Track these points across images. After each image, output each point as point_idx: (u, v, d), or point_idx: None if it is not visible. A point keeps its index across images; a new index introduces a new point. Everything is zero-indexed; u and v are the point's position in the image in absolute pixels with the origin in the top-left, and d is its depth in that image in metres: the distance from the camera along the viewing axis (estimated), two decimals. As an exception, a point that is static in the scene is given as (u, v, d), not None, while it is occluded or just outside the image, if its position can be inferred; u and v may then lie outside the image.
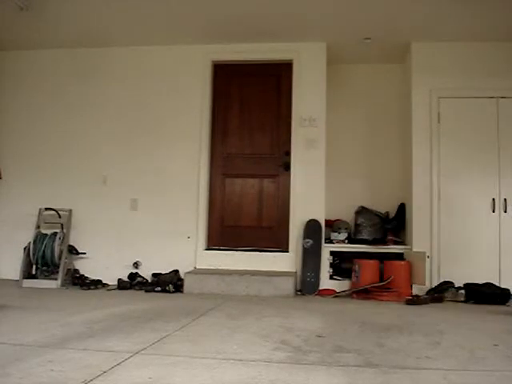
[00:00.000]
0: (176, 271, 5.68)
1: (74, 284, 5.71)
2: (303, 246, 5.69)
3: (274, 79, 6.18)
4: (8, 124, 6.41)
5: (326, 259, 5.77)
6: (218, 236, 6.06)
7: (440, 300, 5.03)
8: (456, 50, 5.81)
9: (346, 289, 5.56)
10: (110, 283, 5.73)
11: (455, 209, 5.64)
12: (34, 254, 5.68)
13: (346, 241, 5.95)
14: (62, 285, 5.63)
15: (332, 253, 5.84)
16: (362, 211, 6.15)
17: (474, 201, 5.62)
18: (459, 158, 5.72)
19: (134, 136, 6.16)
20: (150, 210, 6.06)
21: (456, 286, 5.22)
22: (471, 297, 5.03)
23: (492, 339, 3.20)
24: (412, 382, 2.22)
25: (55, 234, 5.80)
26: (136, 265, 5.90)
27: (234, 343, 2.93)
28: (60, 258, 5.71)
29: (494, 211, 5.58)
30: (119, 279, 5.69)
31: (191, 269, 5.76)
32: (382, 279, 5.38)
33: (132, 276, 5.76)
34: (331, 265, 5.81)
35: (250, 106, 6.16)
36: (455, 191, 5.67)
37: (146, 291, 5.37)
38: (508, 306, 4.86)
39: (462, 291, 5.15)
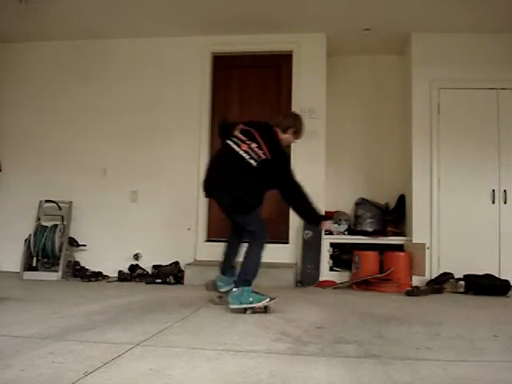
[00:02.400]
0: (176, 263, 5.69)
1: (75, 276, 5.72)
2: (303, 238, 5.69)
3: (273, 70, 6.16)
4: (8, 116, 6.39)
5: (325, 251, 5.78)
6: (218, 227, 6.03)
7: (440, 291, 5.04)
8: (456, 41, 5.78)
9: (346, 280, 5.57)
10: (110, 275, 5.74)
11: (455, 200, 5.64)
12: (34, 247, 5.68)
13: (346, 232, 5.96)
14: (63, 277, 5.64)
15: (332, 244, 5.84)
16: (362, 202, 6.15)
17: (473, 192, 5.62)
18: (459, 150, 5.70)
19: (134, 128, 6.14)
20: (150, 202, 6.06)
21: (456, 277, 5.21)
22: (471, 288, 5.04)
23: (492, 330, 3.21)
24: (412, 373, 2.23)
25: (55, 226, 5.81)
26: (136, 257, 5.91)
27: (234, 334, 2.94)
28: (60, 250, 5.72)
29: (493, 202, 5.58)
30: (120, 271, 5.71)
31: (191, 260, 5.77)
32: (382, 270, 5.39)
33: (132, 268, 5.77)
34: (331, 256, 5.82)
35: (249, 98, 6.14)
36: (455, 182, 5.66)
37: (147, 283, 5.39)
38: (508, 297, 4.86)
39: (462, 282, 5.15)
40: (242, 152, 3.77)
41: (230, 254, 4.15)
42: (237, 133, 3.88)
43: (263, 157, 3.76)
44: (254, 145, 3.78)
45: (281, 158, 3.88)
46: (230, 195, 3.80)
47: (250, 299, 3.66)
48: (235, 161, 3.79)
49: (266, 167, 3.77)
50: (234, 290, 3.71)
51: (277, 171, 3.83)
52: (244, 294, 3.67)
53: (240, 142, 3.81)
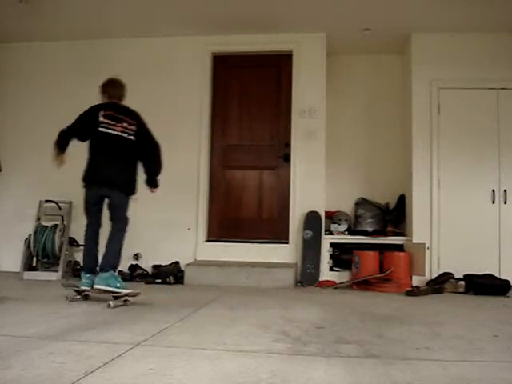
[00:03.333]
0: (176, 263, 5.69)
1: (75, 276, 5.70)
2: (303, 238, 5.69)
3: (273, 70, 6.16)
4: (9, 116, 6.39)
5: (325, 251, 5.78)
6: (218, 228, 6.06)
7: (440, 291, 5.04)
8: (456, 41, 5.78)
9: (346, 280, 5.57)
10: (110, 275, 5.72)
11: (455, 200, 5.63)
12: (34, 247, 5.68)
13: (346, 232, 5.96)
14: (63, 277, 5.63)
15: (332, 244, 5.84)
16: (362, 202, 6.15)
17: (473, 192, 5.61)
18: (459, 150, 5.70)
19: (134, 128, 6.13)
20: (150, 202, 6.02)
21: (456, 277, 5.21)
22: (471, 288, 5.04)
23: (492, 330, 3.21)
24: (412, 373, 2.22)
25: (56, 226, 5.81)
26: (136, 257, 5.91)
27: (234, 334, 2.94)
28: (60, 250, 5.72)
29: (493, 202, 5.58)
30: (119, 271, 5.68)
31: (191, 260, 5.77)
32: (382, 270, 5.39)
33: (132, 268, 5.77)
34: (331, 256, 5.82)
35: (249, 98, 6.14)
36: (455, 182, 5.66)
37: (147, 283, 5.38)
38: (508, 297, 4.86)
39: (462, 282, 5.14)
40: (120, 133, 4.08)
41: (95, 251, 4.26)
42: (102, 119, 4.11)
43: (135, 128, 4.13)
44: (125, 124, 4.10)
45: (143, 122, 4.29)
46: (122, 175, 4.15)
47: (118, 284, 3.88)
48: (118, 143, 4.09)
49: (139, 136, 4.17)
50: (103, 273, 3.88)
51: (144, 133, 4.22)
52: (113, 278, 3.89)
53: (112, 126, 4.09)
